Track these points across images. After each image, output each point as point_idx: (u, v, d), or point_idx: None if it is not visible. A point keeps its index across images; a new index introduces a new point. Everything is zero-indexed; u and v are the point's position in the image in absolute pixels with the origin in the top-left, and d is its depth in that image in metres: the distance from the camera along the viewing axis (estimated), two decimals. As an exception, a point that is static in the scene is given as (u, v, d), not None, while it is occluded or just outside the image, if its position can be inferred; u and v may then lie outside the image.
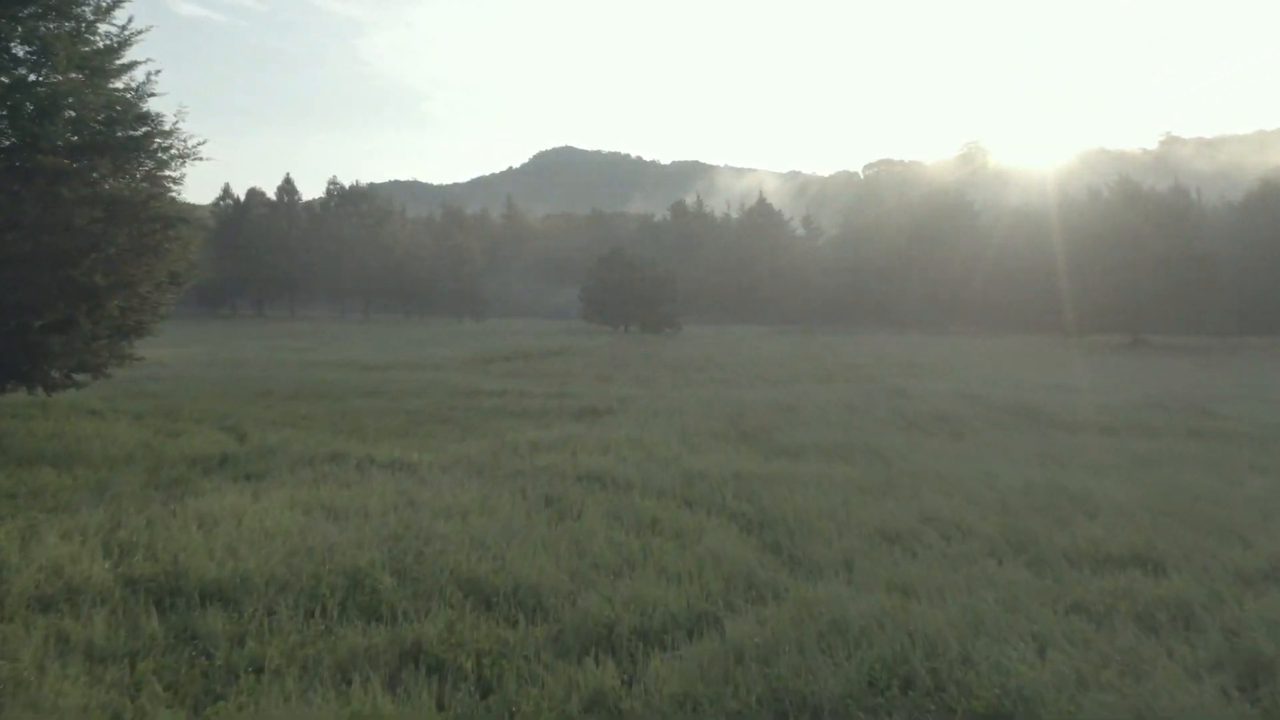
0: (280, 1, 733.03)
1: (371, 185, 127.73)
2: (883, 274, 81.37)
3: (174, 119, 11.62)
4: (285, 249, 69.81)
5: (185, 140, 11.78)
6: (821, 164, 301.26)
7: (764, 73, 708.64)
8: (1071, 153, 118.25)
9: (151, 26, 11.62)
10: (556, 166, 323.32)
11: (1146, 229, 45.99)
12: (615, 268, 52.46)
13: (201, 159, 12.16)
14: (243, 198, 72.18)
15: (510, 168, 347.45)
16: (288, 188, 72.67)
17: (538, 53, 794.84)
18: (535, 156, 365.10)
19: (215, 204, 74.20)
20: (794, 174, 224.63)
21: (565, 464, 9.27)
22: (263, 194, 73.11)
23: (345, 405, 14.57)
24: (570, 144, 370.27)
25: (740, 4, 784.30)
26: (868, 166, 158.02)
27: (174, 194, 12.06)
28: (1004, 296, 68.78)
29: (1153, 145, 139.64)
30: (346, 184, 76.90)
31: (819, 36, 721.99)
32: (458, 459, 9.46)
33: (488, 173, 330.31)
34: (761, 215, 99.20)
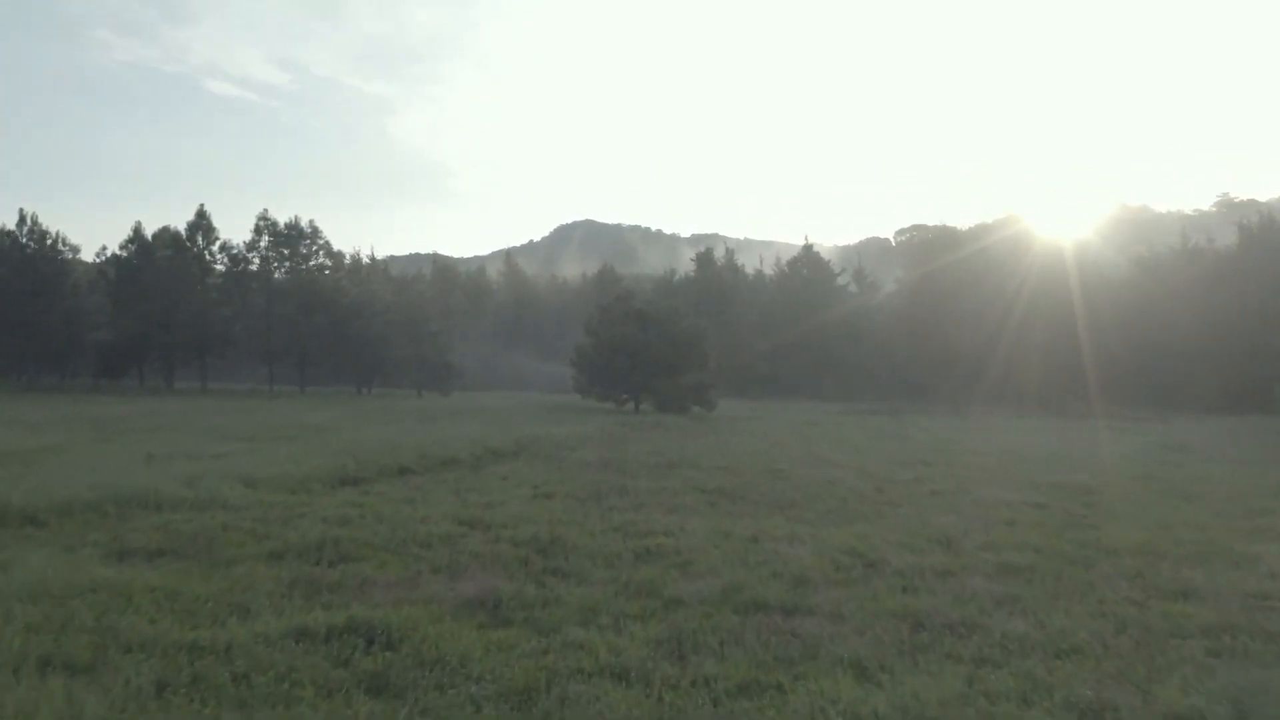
0: (311, 80, 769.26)
1: (392, 257, 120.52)
2: (970, 335, 68.20)
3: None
4: (197, 301, 57.76)
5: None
6: (846, 235, 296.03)
7: (784, 144, 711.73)
8: (1113, 214, 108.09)
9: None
10: (576, 238, 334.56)
11: None
12: (620, 321, 39.53)
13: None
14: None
15: (531, 240, 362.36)
16: (202, 224, 60.82)
17: (560, 128, 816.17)
18: (556, 229, 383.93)
19: (122, 247, 62.79)
20: (818, 246, 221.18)
21: None
22: (177, 233, 61.46)
23: None
24: (590, 217, 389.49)
25: (761, 78, 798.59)
26: (899, 232, 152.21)
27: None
28: (1156, 366, 56.15)
29: (1207, 206, 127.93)
30: (304, 224, 64.81)
31: (840, 105, 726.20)
32: None
33: (508, 246, 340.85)
34: (808, 267, 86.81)
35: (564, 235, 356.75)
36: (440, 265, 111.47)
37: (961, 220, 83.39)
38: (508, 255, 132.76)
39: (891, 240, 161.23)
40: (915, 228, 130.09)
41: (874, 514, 12.46)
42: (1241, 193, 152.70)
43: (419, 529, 10.14)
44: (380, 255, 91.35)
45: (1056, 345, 62.62)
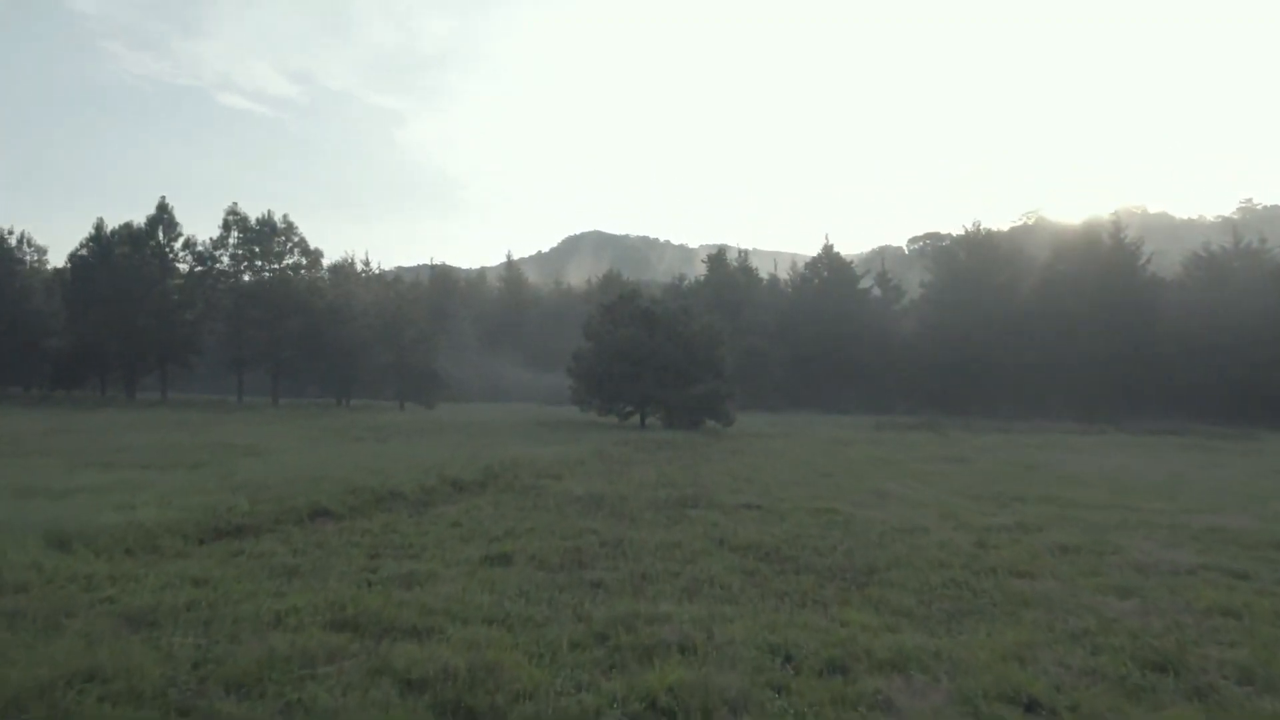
0: (322, 93, 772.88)
1: (400, 268, 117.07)
2: (1003, 342, 63.96)
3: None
4: (157, 304, 53.69)
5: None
6: (857, 244, 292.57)
7: (792, 153, 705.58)
8: (1137, 220, 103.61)
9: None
10: (584, 249, 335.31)
11: None
12: (625, 322, 35.32)
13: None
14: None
15: (539, 251, 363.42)
16: (163, 218, 56.69)
17: (568, 139, 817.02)
18: (564, 240, 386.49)
19: (82, 246, 58.92)
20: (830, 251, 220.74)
21: None
22: (138, 229, 57.38)
23: None
24: (598, 228, 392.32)
25: (768, 89, 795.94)
26: (913, 240, 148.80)
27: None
28: (1220, 376, 52.12)
29: (1229, 212, 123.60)
30: (276, 219, 60.49)
31: (846, 112, 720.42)
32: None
33: (517, 257, 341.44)
34: (828, 269, 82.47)
35: (572, 245, 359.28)
36: (438, 272, 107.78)
37: (975, 226, 79.23)
38: (509, 262, 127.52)
39: (905, 249, 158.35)
40: (930, 235, 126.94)
41: (1003, 595, 8.26)
42: (1263, 199, 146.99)
43: (256, 649, 5.98)
44: (388, 266, 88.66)
45: (1099, 353, 59.09)
